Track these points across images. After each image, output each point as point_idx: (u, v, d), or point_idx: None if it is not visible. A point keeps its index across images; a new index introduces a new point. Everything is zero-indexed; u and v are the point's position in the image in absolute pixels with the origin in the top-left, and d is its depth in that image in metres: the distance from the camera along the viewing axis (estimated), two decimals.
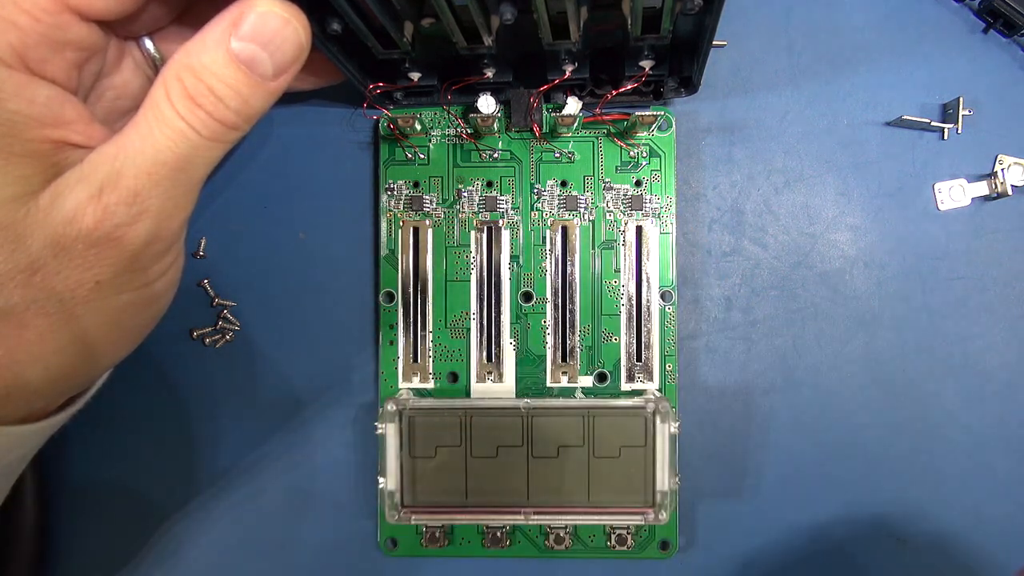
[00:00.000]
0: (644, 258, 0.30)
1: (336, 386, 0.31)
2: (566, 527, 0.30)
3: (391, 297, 0.31)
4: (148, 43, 0.25)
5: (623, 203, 0.30)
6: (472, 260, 0.30)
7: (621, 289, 0.30)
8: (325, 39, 0.24)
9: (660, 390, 0.30)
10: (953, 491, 0.30)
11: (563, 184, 0.30)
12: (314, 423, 0.31)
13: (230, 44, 0.20)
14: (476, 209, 0.30)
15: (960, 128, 0.30)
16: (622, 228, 0.30)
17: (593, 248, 0.30)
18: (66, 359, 0.22)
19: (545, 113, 0.30)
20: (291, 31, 0.21)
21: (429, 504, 0.29)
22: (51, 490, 0.31)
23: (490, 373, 0.30)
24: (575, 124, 0.29)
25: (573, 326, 0.30)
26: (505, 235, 0.30)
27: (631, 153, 0.30)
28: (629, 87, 0.28)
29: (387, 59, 0.26)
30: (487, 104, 0.28)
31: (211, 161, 0.22)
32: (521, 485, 0.29)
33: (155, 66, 0.25)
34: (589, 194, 0.30)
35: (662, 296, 0.30)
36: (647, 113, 0.28)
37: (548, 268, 0.30)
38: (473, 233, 0.30)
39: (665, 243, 0.30)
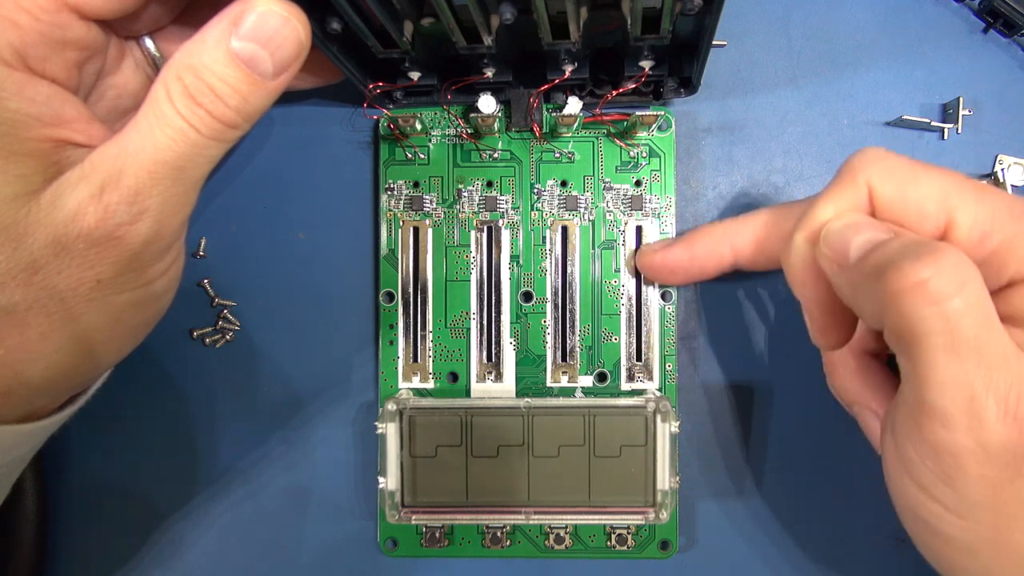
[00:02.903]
0: None
1: (336, 386, 0.31)
2: (566, 527, 0.30)
3: (391, 297, 0.31)
4: (148, 42, 0.25)
5: (623, 203, 0.30)
6: (472, 260, 0.30)
7: (621, 289, 0.30)
8: (325, 38, 0.24)
9: (660, 390, 0.30)
10: None
11: (563, 184, 0.30)
12: (314, 423, 0.31)
13: (230, 43, 0.20)
14: (476, 209, 0.30)
15: (960, 128, 0.30)
16: (622, 228, 0.30)
17: (593, 248, 0.30)
18: (67, 358, 0.22)
19: (545, 113, 0.30)
20: (291, 30, 0.21)
21: (429, 504, 0.29)
22: (51, 490, 0.31)
23: (490, 373, 0.30)
24: (575, 124, 0.29)
25: (573, 326, 0.30)
26: (505, 235, 0.30)
27: (631, 153, 0.30)
28: (629, 87, 0.28)
29: (387, 58, 0.26)
30: (487, 104, 0.28)
31: (211, 160, 0.22)
32: (521, 485, 0.29)
33: (155, 65, 0.25)
34: (589, 194, 0.30)
35: (662, 296, 0.30)
36: (647, 113, 0.28)
37: (548, 268, 0.30)
38: (473, 233, 0.30)
39: None
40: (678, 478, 0.29)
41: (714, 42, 0.25)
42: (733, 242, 0.27)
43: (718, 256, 0.27)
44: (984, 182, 0.22)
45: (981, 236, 0.21)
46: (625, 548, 0.30)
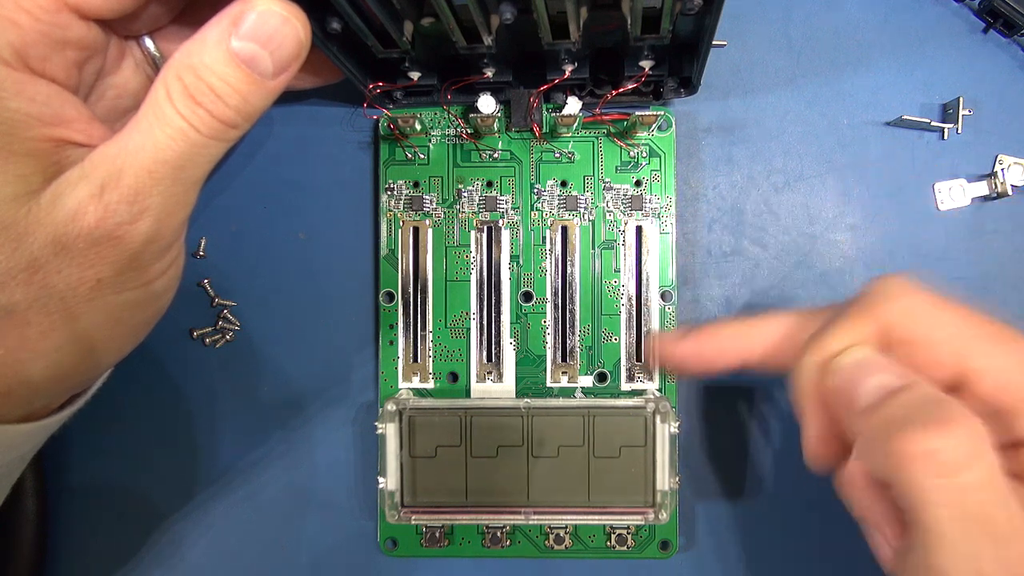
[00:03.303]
0: (644, 258, 0.30)
1: (336, 386, 0.31)
2: (566, 527, 0.30)
3: (391, 297, 0.31)
4: (148, 42, 0.25)
5: (623, 203, 0.30)
6: (472, 260, 0.30)
7: (621, 289, 0.30)
8: (325, 38, 0.24)
9: (660, 390, 0.30)
10: None
11: (563, 184, 0.30)
12: (314, 423, 0.31)
13: (230, 43, 0.20)
14: (476, 209, 0.30)
15: (960, 128, 0.30)
16: (622, 228, 0.30)
17: (593, 248, 0.30)
18: (67, 357, 0.22)
19: (545, 113, 0.30)
20: (291, 30, 0.21)
21: (429, 504, 0.29)
22: (51, 490, 0.31)
23: (490, 373, 0.30)
24: (575, 124, 0.29)
25: (573, 326, 0.30)
26: (505, 235, 0.30)
27: (631, 153, 0.30)
28: (629, 87, 0.28)
29: (387, 58, 0.26)
30: (487, 104, 0.28)
31: (211, 159, 0.22)
32: (521, 485, 0.29)
33: (155, 65, 0.25)
34: (589, 194, 0.30)
35: (662, 296, 0.30)
36: (647, 113, 0.28)
37: (548, 268, 0.30)
38: (473, 233, 0.30)
39: (665, 243, 0.30)
40: (678, 478, 0.29)
41: (714, 42, 0.25)
42: (741, 346, 0.26)
43: (725, 358, 0.26)
44: (1004, 328, 0.22)
45: (995, 390, 0.21)
46: (625, 548, 0.30)
